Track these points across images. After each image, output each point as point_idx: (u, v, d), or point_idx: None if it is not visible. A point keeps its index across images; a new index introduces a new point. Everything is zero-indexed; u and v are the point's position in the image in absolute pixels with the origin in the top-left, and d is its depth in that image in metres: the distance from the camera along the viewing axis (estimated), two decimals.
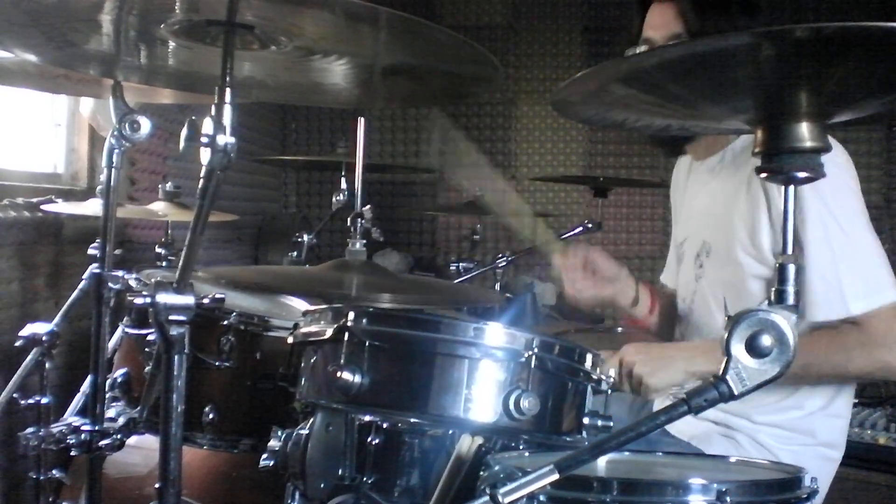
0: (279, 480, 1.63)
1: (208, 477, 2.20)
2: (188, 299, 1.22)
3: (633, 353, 1.81)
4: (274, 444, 1.58)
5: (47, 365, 2.21)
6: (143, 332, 2.02)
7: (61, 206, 2.69)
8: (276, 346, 1.97)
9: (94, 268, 1.85)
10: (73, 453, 1.80)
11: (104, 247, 1.81)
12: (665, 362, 1.82)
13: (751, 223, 1.86)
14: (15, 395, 2.23)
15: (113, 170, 1.78)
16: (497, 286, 3.66)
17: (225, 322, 1.96)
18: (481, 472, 1.40)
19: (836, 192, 1.75)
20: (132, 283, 2.08)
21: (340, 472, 1.61)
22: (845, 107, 1.12)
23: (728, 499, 1.21)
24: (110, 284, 1.83)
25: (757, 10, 1.94)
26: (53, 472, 2.21)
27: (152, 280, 1.24)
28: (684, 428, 1.91)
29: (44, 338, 2.21)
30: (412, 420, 1.56)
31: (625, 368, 1.79)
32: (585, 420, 1.48)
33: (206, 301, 1.30)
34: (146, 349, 2.00)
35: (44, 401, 2.18)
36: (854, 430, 3.03)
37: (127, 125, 1.75)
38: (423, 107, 5.17)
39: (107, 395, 1.87)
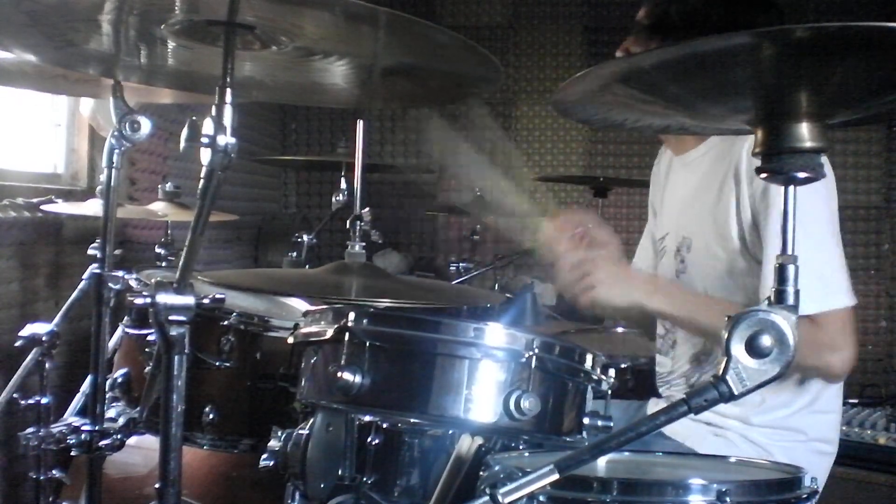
0: (279, 480, 1.63)
1: (208, 477, 2.20)
2: (188, 299, 1.22)
3: (598, 261, 1.81)
4: (274, 444, 1.58)
5: (47, 365, 2.21)
6: (143, 332, 2.01)
7: (61, 206, 2.69)
8: (276, 346, 1.97)
9: (94, 268, 1.84)
10: (73, 453, 1.80)
11: (104, 247, 1.81)
12: (625, 283, 1.83)
13: (722, 215, 1.90)
14: (15, 395, 2.23)
15: (113, 170, 1.78)
16: (497, 286, 3.66)
17: (225, 322, 1.96)
18: (481, 472, 1.40)
19: (803, 194, 1.75)
20: (132, 283, 2.08)
21: (340, 472, 1.62)
22: (845, 107, 1.12)
23: (728, 499, 1.21)
24: (110, 284, 1.82)
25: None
26: (53, 472, 2.21)
27: (152, 280, 1.23)
28: (678, 429, 1.91)
29: (44, 338, 2.20)
30: (412, 420, 1.56)
31: (584, 267, 1.80)
32: (585, 420, 1.48)
33: (206, 301, 1.30)
34: (146, 349, 2.00)
35: (44, 401, 2.17)
36: (854, 430, 3.04)
37: (127, 125, 1.75)
38: (423, 107, 5.16)
39: (107, 395, 1.87)
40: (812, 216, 1.77)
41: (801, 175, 1.09)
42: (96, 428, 1.75)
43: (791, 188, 1.11)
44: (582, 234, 2.00)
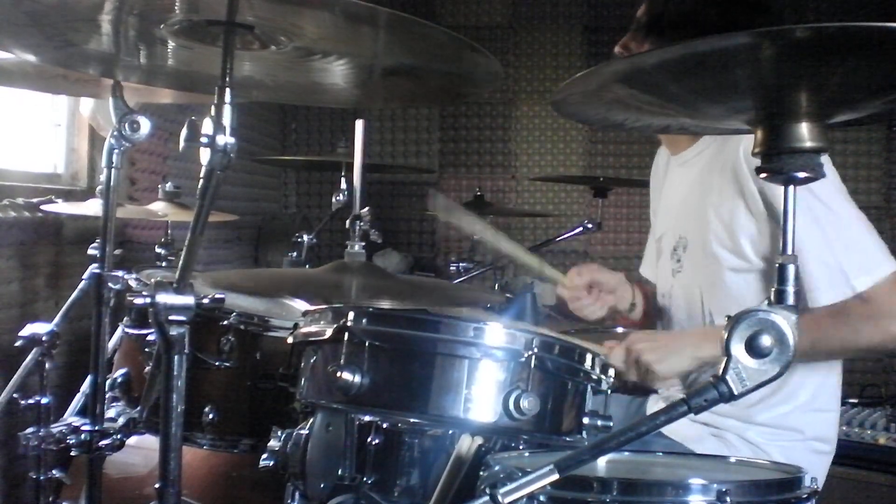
0: (279, 480, 1.63)
1: (208, 477, 2.20)
2: (188, 299, 1.22)
3: (639, 342, 1.81)
4: (274, 444, 1.58)
5: (47, 365, 2.21)
6: (143, 332, 2.02)
7: (61, 206, 2.69)
8: (276, 346, 1.98)
9: (94, 268, 1.84)
10: (73, 453, 1.79)
11: (104, 247, 1.81)
12: (672, 349, 1.82)
13: (728, 216, 1.89)
14: (15, 395, 2.23)
15: (113, 170, 1.78)
16: (497, 286, 3.66)
17: (225, 322, 1.96)
18: (481, 472, 1.40)
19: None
20: (132, 283, 2.08)
21: (340, 472, 1.62)
22: (845, 107, 1.12)
23: (728, 499, 1.21)
24: (110, 284, 1.82)
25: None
26: (53, 472, 2.21)
27: (152, 280, 1.23)
28: (676, 428, 1.91)
29: (44, 338, 2.20)
30: (412, 420, 1.56)
31: (632, 356, 1.79)
32: (585, 420, 1.48)
33: (205, 301, 1.30)
34: (146, 349, 2.00)
35: (44, 401, 2.17)
36: (854, 430, 3.04)
37: (127, 125, 1.75)
38: (423, 107, 5.16)
39: (107, 395, 1.87)
40: (834, 195, 1.78)
41: (801, 175, 1.09)
42: (96, 428, 1.74)
43: (791, 188, 1.11)
44: (591, 288, 2.12)
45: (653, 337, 1.87)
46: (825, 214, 1.75)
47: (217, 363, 1.96)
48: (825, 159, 1.79)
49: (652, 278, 2.26)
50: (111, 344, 2.12)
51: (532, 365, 1.37)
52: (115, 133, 1.75)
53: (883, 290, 1.75)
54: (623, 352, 1.80)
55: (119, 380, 2.09)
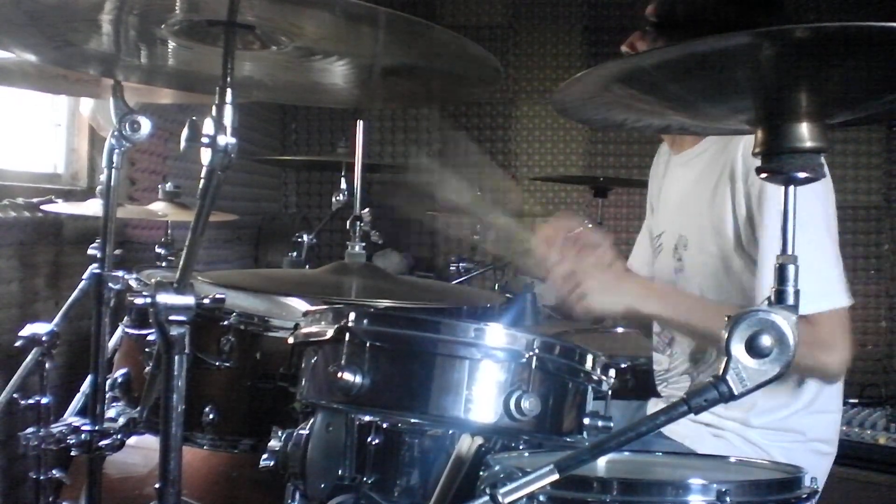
0: (279, 480, 1.63)
1: (208, 477, 2.20)
2: (188, 299, 1.22)
3: (590, 267, 1.80)
4: (274, 444, 1.58)
5: (47, 365, 2.21)
6: (143, 332, 2.02)
7: (61, 206, 2.69)
8: (276, 346, 1.98)
9: (94, 268, 1.85)
10: (73, 453, 1.80)
11: (104, 247, 1.81)
12: (617, 289, 1.82)
13: (717, 212, 1.90)
14: (15, 395, 2.23)
15: (113, 170, 1.78)
16: (497, 286, 3.67)
17: (225, 322, 1.96)
18: (481, 472, 1.40)
19: (799, 193, 1.75)
20: (132, 283, 2.08)
21: (340, 472, 1.62)
22: (845, 107, 1.12)
23: (728, 499, 1.21)
24: (110, 284, 1.83)
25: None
26: (53, 472, 2.21)
27: (152, 280, 1.23)
28: (676, 428, 1.91)
29: (44, 338, 2.20)
30: (413, 420, 1.56)
31: (575, 276, 1.78)
32: (586, 420, 1.48)
33: (206, 301, 1.30)
34: (146, 349, 2.00)
35: (44, 401, 2.17)
36: (854, 430, 3.04)
37: (127, 125, 1.75)
38: (423, 107, 5.16)
39: (107, 395, 1.87)
40: (808, 215, 1.76)
41: (801, 175, 1.09)
42: (96, 428, 1.75)
43: (791, 188, 1.10)
44: (574, 238, 1.95)
45: (604, 269, 1.85)
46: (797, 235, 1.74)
47: (217, 363, 1.96)
48: (826, 180, 1.79)
49: (639, 271, 2.25)
50: (111, 344, 2.12)
51: (533, 366, 1.37)
52: (115, 133, 1.76)
53: (828, 321, 1.73)
54: (569, 266, 1.78)
55: (119, 380, 2.09)
